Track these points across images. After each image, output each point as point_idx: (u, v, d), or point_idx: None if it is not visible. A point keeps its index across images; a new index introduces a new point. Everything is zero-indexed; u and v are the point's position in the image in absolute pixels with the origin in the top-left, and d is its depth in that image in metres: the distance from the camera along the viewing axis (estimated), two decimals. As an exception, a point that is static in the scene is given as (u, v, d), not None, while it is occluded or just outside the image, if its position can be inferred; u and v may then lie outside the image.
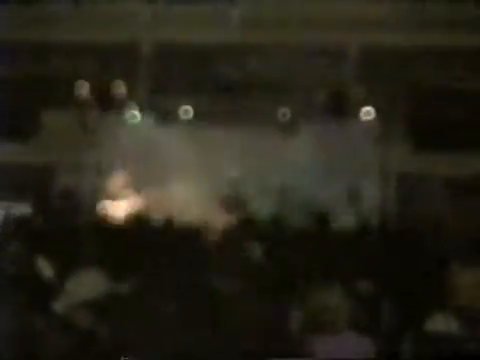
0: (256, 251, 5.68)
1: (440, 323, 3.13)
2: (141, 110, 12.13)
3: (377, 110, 11.67)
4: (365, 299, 4.29)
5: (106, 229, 7.62)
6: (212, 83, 11.19)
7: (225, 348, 3.03)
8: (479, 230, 10.40)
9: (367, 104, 11.53)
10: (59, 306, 3.02)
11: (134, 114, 12.13)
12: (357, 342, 3.39)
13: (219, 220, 10.44)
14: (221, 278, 4.23)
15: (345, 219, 10.52)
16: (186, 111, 12.02)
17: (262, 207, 11.18)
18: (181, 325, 2.93)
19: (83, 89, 11.29)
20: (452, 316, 3.19)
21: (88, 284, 3.70)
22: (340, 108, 11.67)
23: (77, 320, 2.75)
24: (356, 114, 11.81)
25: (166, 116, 12.25)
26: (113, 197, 10.86)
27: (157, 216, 10.07)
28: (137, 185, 11.47)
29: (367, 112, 11.63)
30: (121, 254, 5.10)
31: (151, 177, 11.91)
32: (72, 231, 7.09)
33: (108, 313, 2.75)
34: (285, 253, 5.93)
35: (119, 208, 10.47)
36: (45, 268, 4.82)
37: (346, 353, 3.31)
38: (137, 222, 8.16)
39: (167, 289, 3.75)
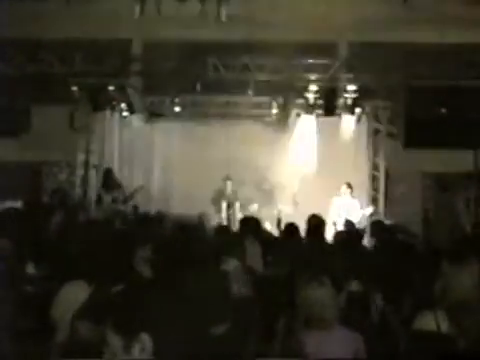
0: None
1: (429, 321, 3.17)
2: (132, 107, 12.13)
3: (367, 108, 11.76)
4: (356, 296, 4.34)
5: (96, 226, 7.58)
6: (203, 80, 11.19)
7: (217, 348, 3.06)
8: (467, 226, 10.53)
9: (358, 102, 11.61)
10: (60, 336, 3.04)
11: (125, 111, 12.13)
12: (348, 338, 3.43)
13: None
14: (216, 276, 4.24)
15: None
16: (177, 108, 12.04)
17: (252, 203, 11.25)
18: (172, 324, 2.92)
19: (74, 87, 11.27)
20: (441, 314, 3.24)
21: (71, 295, 3.68)
22: (331, 106, 11.73)
23: (79, 333, 2.75)
24: (347, 112, 11.89)
25: (157, 113, 12.27)
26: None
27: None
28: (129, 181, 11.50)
29: (358, 110, 11.72)
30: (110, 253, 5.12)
31: (142, 173, 11.95)
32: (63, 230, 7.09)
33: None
34: (277, 251, 5.98)
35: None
36: (32, 270, 4.83)
37: (337, 349, 3.35)
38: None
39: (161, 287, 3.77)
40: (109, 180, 10.82)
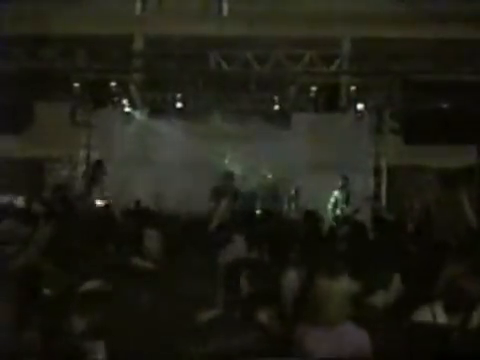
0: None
1: (427, 314, 3.18)
2: (134, 103, 12.14)
3: (369, 103, 11.75)
4: (356, 291, 4.33)
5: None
6: (204, 75, 11.20)
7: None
8: (468, 221, 10.50)
9: (359, 97, 11.60)
10: None
11: (127, 107, 12.15)
12: (352, 334, 3.38)
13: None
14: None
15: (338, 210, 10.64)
16: (178, 103, 12.05)
17: (254, 198, 11.24)
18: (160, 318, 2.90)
19: (76, 83, 11.29)
20: (439, 307, 3.25)
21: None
22: (333, 101, 11.73)
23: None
24: (349, 107, 11.88)
25: (159, 109, 12.27)
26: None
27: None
28: (131, 177, 11.52)
29: (359, 105, 11.71)
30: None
31: (144, 169, 11.95)
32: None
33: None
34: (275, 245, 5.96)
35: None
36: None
37: (339, 345, 3.30)
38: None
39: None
40: (98, 172, 10.83)
